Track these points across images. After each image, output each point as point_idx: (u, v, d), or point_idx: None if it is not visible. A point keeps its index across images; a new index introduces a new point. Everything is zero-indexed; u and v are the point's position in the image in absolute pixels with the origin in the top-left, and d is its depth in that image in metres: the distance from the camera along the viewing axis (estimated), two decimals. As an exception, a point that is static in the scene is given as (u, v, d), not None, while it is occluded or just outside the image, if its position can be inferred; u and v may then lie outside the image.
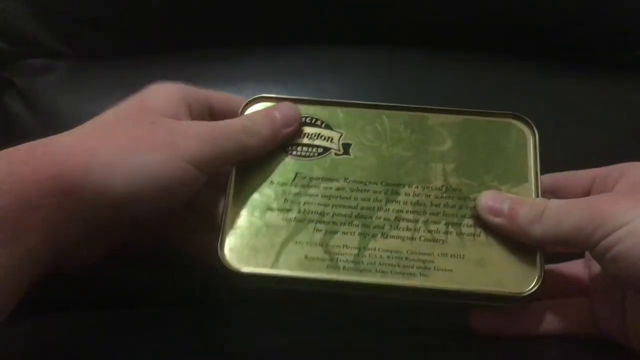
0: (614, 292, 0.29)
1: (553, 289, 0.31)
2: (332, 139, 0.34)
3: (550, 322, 0.30)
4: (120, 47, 0.48)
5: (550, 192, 0.32)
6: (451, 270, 0.29)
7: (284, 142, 0.32)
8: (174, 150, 0.26)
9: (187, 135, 0.27)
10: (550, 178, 0.32)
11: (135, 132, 0.27)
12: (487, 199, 0.29)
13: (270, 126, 0.31)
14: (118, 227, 0.28)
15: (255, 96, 0.35)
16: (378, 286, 0.29)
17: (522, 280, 0.29)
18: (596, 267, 0.31)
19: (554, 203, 0.28)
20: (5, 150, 0.25)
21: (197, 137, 0.28)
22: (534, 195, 0.30)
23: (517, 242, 0.29)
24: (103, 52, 0.48)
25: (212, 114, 0.32)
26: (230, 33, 0.48)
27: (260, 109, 0.32)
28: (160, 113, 0.28)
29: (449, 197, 0.31)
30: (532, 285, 0.28)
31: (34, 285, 0.24)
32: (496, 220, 0.29)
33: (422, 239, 0.30)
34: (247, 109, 0.34)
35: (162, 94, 0.30)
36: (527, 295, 0.28)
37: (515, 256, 0.29)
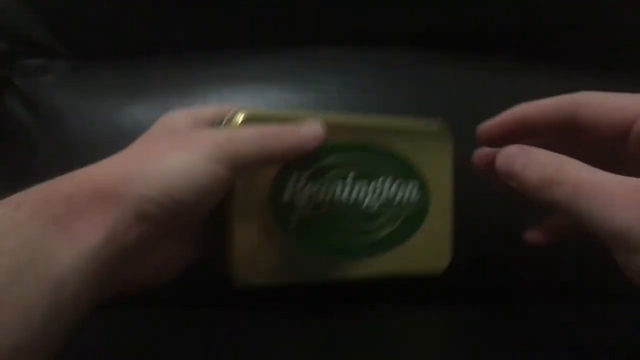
0: None
1: None
2: None
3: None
4: (119, 47, 0.48)
5: (565, 124, 0.30)
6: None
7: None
8: (197, 150, 0.28)
9: (209, 137, 0.30)
10: (572, 101, 0.30)
11: (160, 143, 0.30)
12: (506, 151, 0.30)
13: (294, 137, 0.32)
14: (166, 233, 0.29)
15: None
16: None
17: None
18: None
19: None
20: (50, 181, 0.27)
21: (219, 137, 0.29)
22: None
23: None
24: (102, 52, 0.48)
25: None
26: (230, 33, 0.48)
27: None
28: (182, 129, 0.31)
29: None
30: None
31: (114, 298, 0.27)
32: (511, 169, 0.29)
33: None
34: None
35: (181, 117, 0.32)
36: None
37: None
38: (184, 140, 0.30)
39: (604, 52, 0.49)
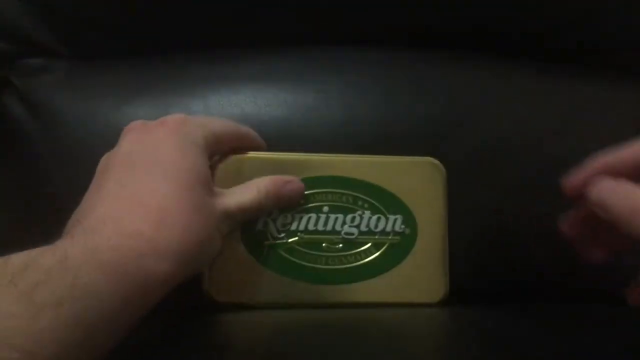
0: None
1: None
2: None
3: None
4: (119, 47, 0.48)
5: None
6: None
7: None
8: (214, 227, 0.30)
9: (231, 215, 0.32)
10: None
11: (205, 217, 0.30)
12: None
13: (274, 206, 0.36)
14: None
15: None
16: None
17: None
18: None
19: None
20: (119, 237, 0.26)
21: (235, 215, 0.32)
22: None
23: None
24: (102, 52, 0.48)
25: (220, 144, 0.35)
26: (230, 33, 0.48)
27: (274, 183, 0.35)
28: (208, 181, 0.31)
29: None
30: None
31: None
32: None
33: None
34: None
35: (200, 154, 0.32)
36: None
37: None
38: (206, 208, 0.30)
39: (605, 53, 0.49)
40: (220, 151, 0.35)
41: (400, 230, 0.38)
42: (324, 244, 0.37)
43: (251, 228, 0.36)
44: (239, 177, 0.37)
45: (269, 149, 0.40)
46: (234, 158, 0.38)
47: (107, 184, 0.29)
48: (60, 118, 0.45)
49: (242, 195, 0.33)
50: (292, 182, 0.36)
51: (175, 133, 0.31)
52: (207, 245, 0.30)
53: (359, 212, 0.38)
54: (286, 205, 0.36)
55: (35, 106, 0.46)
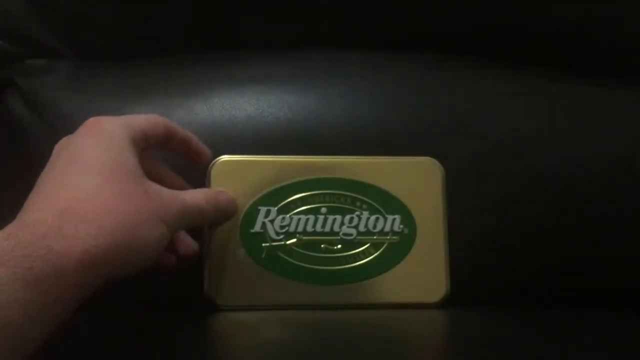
0: None
1: None
2: None
3: None
4: (122, 48, 0.48)
5: None
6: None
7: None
8: (163, 222, 0.30)
9: (172, 209, 0.31)
10: None
11: (137, 207, 0.30)
12: None
13: (214, 214, 0.36)
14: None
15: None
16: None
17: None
18: None
19: None
20: (37, 223, 0.26)
21: (178, 211, 0.32)
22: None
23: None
24: (105, 52, 0.48)
25: (148, 142, 0.35)
26: (233, 35, 0.48)
27: (212, 192, 0.37)
28: (138, 173, 0.31)
29: None
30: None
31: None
32: None
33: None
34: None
35: (125, 146, 0.31)
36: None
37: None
38: (151, 204, 0.30)
39: (610, 59, 0.49)
40: (151, 146, 0.35)
41: (399, 230, 0.38)
42: (322, 245, 0.38)
43: (250, 230, 0.37)
44: (236, 180, 0.37)
45: (271, 150, 0.41)
46: (229, 160, 0.38)
47: (33, 191, 0.30)
48: (63, 118, 0.45)
49: (193, 193, 0.35)
50: (224, 192, 0.37)
51: (97, 132, 0.31)
52: (142, 232, 0.29)
53: (357, 213, 0.38)
54: (223, 215, 0.37)
55: (37, 106, 0.46)
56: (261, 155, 0.40)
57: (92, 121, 0.32)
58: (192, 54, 0.48)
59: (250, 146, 0.42)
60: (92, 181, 0.29)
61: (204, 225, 0.37)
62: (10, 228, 0.26)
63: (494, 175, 0.44)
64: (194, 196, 0.34)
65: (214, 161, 0.39)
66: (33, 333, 0.24)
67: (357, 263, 0.38)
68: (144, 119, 0.34)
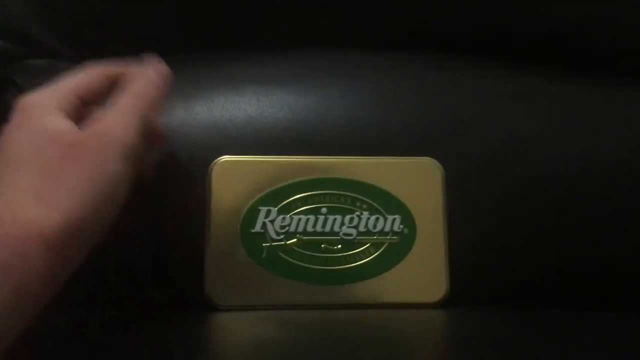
0: None
1: None
2: None
3: None
4: (122, 48, 0.48)
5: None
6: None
7: None
8: (113, 161, 0.29)
9: (111, 142, 0.30)
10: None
11: (75, 170, 0.28)
12: None
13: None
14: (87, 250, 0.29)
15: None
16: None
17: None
18: None
19: None
20: None
21: (118, 140, 0.30)
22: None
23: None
24: (105, 53, 0.48)
25: (86, 103, 0.33)
26: (233, 36, 0.48)
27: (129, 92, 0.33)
28: (72, 135, 0.30)
29: None
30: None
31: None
32: None
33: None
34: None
35: (52, 111, 0.30)
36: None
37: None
38: (89, 153, 0.29)
39: (610, 59, 0.49)
40: (93, 99, 0.34)
41: (399, 230, 0.38)
42: (322, 245, 0.38)
43: (250, 231, 0.37)
44: (236, 180, 0.37)
45: (272, 151, 0.41)
46: (229, 160, 0.38)
47: None
48: (63, 118, 0.45)
49: (120, 115, 0.32)
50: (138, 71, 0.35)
51: (25, 121, 0.31)
52: (97, 188, 0.28)
53: (357, 213, 0.38)
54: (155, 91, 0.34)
55: (38, 106, 0.46)
56: (261, 155, 0.40)
57: (20, 107, 0.31)
58: (192, 54, 0.48)
59: (250, 146, 0.42)
60: (25, 170, 0.28)
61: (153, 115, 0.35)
62: None
63: (494, 175, 0.44)
64: (117, 110, 0.32)
65: (214, 161, 0.39)
66: (5, 325, 0.24)
67: (357, 263, 0.38)
68: (73, 78, 0.34)
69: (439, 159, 0.41)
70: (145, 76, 0.34)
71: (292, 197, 0.38)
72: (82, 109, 0.32)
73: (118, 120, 0.31)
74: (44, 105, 0.31)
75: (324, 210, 0.38)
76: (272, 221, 0.37)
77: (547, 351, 0.30)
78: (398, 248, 0.38)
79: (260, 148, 0.42)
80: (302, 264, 0.38)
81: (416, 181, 0.39)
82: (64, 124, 0.30)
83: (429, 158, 0.40)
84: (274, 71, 0.47)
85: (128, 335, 0.33)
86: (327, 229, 0.38)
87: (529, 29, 0.48)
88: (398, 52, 0.48)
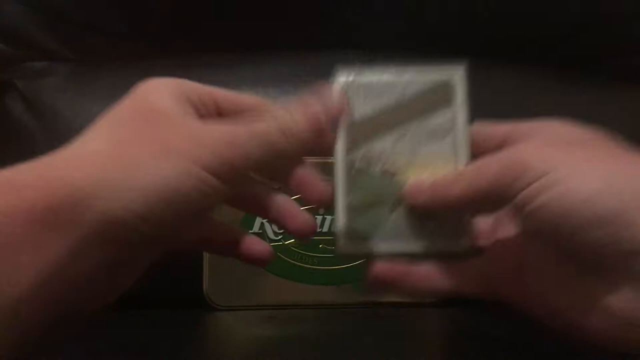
0: (509, 257, 0.27)
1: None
2: None
3: (444, 281, 0.28)
4: (120, 50, 0.49)
5: None
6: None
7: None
8: (187, 157, 0.22)
9: (203, 138, 0.23)
10: None
11: (142, 140, 0.23)
12: (409, 189, 0.28)
13: (311, 128, 0.26)
14: (137, 253, 0.24)
15: None
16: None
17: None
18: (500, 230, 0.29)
19: (471, 164, 0.27)
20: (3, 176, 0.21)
21: (216, 140, 0.23)
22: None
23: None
24: (104, 55, 0.49)
25: (221, 114, 0.28)
26: (231, 37, 0.48)
27: (284, 113, 0.27)
28: (167, 114, 0.24)
29: None
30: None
31: (55, 327, 0.22)
32: (422, 199, 0.27)
33: None
34: None
35: (164, 91, 0.25)
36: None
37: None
38: (170, 138, 0.23)
39: (606, 58, 0.50)
40: (224, 116, 0.27)
41: None
42: (320, 245, 0.38)
43: (249, 231, 0.37)
44: None
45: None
46: None
47: None
48: (63, 120, 0.46)
49: (253, 120, 0.25)
50: (307, 104, 0.27)
51: (137, 89, 0.26)
52: (150, 167, 0.22)
53: None
54: (329, 115, 0.27)
55: (38, 108, 0.46)
56: None
57: (137, 86, 0.26)
58: (190, 56, 0.48)
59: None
60: (93, 130, 0.24)
61: (288, 163, 0.28)
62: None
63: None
64: (254, 124, 0.25)
65: None
66: None
67: (355, 263, 0.38)
68: (220, 89, 0.28)
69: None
70: (308, 119, 0.26)
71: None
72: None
73: (240, 130, 0.24)
74: (158, 85, 0.26)
75: (321, 210, 0.38)
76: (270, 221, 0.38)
77: (547, 349, 0.30)
78: None
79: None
80: (300, 264, 0.38)
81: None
82: (169, 103, 0.24)
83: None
84: (270, 72, 0.47)
85: (128, 335, 0.33)
86: (325, 229, 0.38)
87: (529, 29, 0.49)
88: (396, 53, 0.48)
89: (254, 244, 0.28)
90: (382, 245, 0.28)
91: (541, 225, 0.23)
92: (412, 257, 0.29)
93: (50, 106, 0.46)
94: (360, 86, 0.29)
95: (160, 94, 0.25)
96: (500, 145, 0.27)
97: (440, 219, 0.28)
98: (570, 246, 0.23)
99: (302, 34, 0.48)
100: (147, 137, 0.23)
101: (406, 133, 0.29)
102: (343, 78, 0.29)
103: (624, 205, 0.21)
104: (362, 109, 0.29)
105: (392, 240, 0.28)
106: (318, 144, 0.27)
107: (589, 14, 0.48)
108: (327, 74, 0.47)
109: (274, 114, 0.26)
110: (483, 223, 0.30)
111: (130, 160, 0.22)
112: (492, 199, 0.25)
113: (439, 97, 0.29)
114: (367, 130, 0.29)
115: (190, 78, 0.46)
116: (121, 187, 0.21)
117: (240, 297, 0.38)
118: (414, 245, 0.28)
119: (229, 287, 0.38)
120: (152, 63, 0.48)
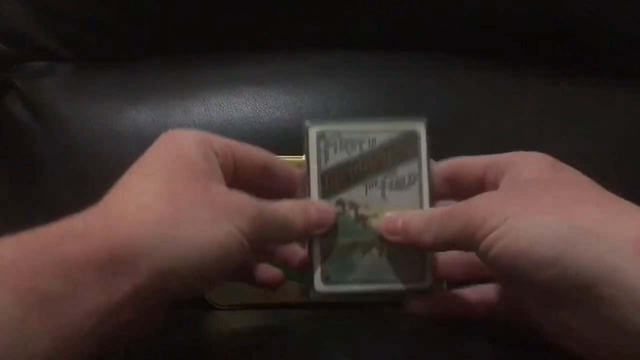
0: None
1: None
2: None
3: (475, 306, 0.32)
4: (120, 49, 0.49)
5: (446, 180, 0.33)
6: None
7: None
8: (232, 223, 0.26)
9: (242, 208, 0.27)
10: (446, 165, 0.33)
11: (191, 201, 0.26)
12: (384, 223, 0.31)
13: (304, 225, 0.30)
14: (167, 302, 0.26)
15: None
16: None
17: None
18: None
19: (437, 211, 0.29)
20: (59, 224, 0.23)
21: (251, 212, 0.27)
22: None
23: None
24: (104, 54, 0.49)
25: (236, 165, 0.31)
26: (230, 36, 0.48)
27: (298, 202, 0.31)
28: (205, 174, 0.27)
29: None
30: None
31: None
32: (395, 238, 0.31)
33: None
34: None
35: (194, 146, 0.28)
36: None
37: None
38: (216, 202, 0.26)
39: (604, 55, 0.49)
40: (244, 169, 0.31)
41: None
42: None
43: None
44: None
45: (268, 151, 0.41)
46: None
47: None
48: (63, 120, 0.46)
49: (276, 202, 0.29)
50: (315, 202, 0.32)
51: (165, 139, 0.28)
52: (198, 228, 0.25)
53: None
54: (315, 227, 0.31)
55: (37, 108, 0.46)
56: None
57: (166, 133, 0.29)
58: (190, 55, 0.48)
59: (247, 147, 0.43)
60: (140, 180, 0.26)
61: (295, 241, 0.33)
62: (26, 233, 0.23)
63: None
64: (278, 205, 0.29)
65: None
66: None
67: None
68: (237, 142, 0.31)
69: (435, 157, 0.41)
70: (321, 206, 0.31)
71: None
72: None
73: (267, 206, 0.28)
74: (189, 135, 0.28)
75: None
76: None
77: (546, 349, 0.30)
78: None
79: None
80: None
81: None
82: (199, 160, 0.27)
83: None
84: (270, 72, 0.47)
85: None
86: None
87: (529, 28, 0.49)
88: (395, 51, 0.48)
89: (267, 272, 0.34)
90: (355, 287, 0.32)
91: (502, 269, 0.26)
92: (382, 297, 0.33)
93: (50, 106, 0.46)
94: (333, 136, 0.32)
95: (192, 149, 0.28)
96: (480, 180, 0.31)
97: (407, 262, 0.32)
98: (531, 286, 0.26)
99: (301, 33, 0.48)
100: (196, 198, 0.26)
101: (377, 180, 0.32)
102: (317, 129, 0.32)
103: (563, 249, 0.24)
104: (335, 157, 0.32)
105: (364, 282, 0.32)
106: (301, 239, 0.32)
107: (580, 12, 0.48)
108: (327, 73, 0.47)
109: (286, 207, 0.30)
110: None
111: (186, 220, 0.25)
112: (459, 247, 0.29)
113: (406, 146, 0.32)
114: (340, 177, 0.32)
115: (190, 77, 0.47)
116: (180, 243, 0.24)
117: (241, 297, 0.38)
118: (384, 286, 0.32)
119: (229, 287, 0.37)
120: (151, 62, 0.48)
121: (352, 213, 0.32)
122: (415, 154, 0.32)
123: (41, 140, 0.45)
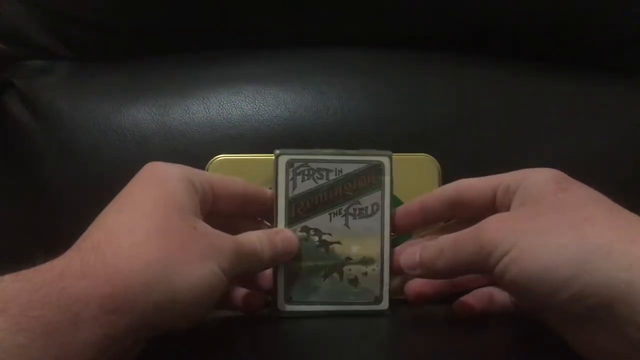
0: None
1: None
2: None
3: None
4: (119, 48, 0.49)
5: (453, 203, 0.33)
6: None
7: None
8: (215, 262, 0.28)
9: (222, 248, 0.29)
10: (453, 189, 0.33)
11: (181, 241, 0.27)
12: (403, 260, 0.32)
13: (271, 255, 0.32)
14: (151, 336, 0.27)
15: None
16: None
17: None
18: None
19: (448, 239, 0.30)
20: (58, 261, 0.24)
21: (230, 251, 0.29)
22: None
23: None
24: (102, 53, 0.49)
25: (215, 199, 0.33)
26: (229, 35, 0.48)
27: (266, 233, 0.33)
28: (190, 212, 0.29)
29: None
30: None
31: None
32: (416, 272, 0.32)
33: None
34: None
35: (178, 181, 0.29)
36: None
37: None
38: (203, 244, 0.28)
39: (604, 53, 0.49)
40: (223, 201, 0.33)
41: None
42: None
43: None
44: None
45: (268, 149, 0.40)
46: (226, 159, 0.39)
47: None
48: (61, 119, 0.46)
49: (245, 235, 0.31)
50: (281, 231, 0.34)
51: (149, 173, 0.30)
52: (187, 268, 0.26)
53: None
54: (280, 256, 0.33)
55: (36, 107, 0.46)
56: (258, 154, 0.40)
57: (149, 165, 0.31)
58: (189, 54, 0.48)
59: (246, 145, 0.43)
60: (131, 216, 0.27)
61: (261, 270, 0.35)
62: (25, 271, 0.23)
63: (491, 172, 0.44)
64: (247, 237, 0.31)
65: (211, 160, 0.39)
66: None
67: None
68: (216, 175, 0.33)
69: (435, 155, 0.41)
70: (286, 235, 0.34)
71: None
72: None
73: (241, 240, 0.30)
74: (173, 170, 0.30)
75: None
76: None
77: (546, 351, 0.30)
78: (394, 244, 0.38)
79: (256, 147, 0.42)
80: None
81: (413, 178, 0.39)
82: (184, 197, 0.29)
83: (425, 155, 0.40)
84: (270, 70, 0.47)
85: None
86: None
87: (529, 28, 0.49)
88: (394, 50, 0.48)
89: (250, 298, 0.35)
90: (316, 307, 0.34)
91: (519, 293, 0.28)
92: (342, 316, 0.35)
93: (50, 105, 0.46)
94: (302, 165, 0.34)
95: (177, 187, 0.29)
96: (491, 202, 0.32)
97: (366, 286, 0.34)
98: (548, 306, 0.27)
99: (301, 31, 0.48)
100: (185, 238, 0.27)
101: (341, 208, 0.34)
102: (286, 157, 0.34)
103: (577, 270, 0.24)
104: (303, 185, 0.34)
105: (325, 303, 0.34)
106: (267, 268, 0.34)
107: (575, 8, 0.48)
108: (326, 71, 0.47)
109: (255, 240, 0.32)
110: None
111: (177, 260, 0.26)
112: (473, 271, 0.30)
113: (371, 177, 0.34)
114: (307, 205, 0.34)
115: (189, 76, 0.47)
116: (172, 282, 0.25)
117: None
118: (344, 307, 0.34)
119: None
120: (150, 60, 0.48)
121: (316, 239, 0.34)
122: (380, 185, 0.34)
123: (40, 138, 0.45)
